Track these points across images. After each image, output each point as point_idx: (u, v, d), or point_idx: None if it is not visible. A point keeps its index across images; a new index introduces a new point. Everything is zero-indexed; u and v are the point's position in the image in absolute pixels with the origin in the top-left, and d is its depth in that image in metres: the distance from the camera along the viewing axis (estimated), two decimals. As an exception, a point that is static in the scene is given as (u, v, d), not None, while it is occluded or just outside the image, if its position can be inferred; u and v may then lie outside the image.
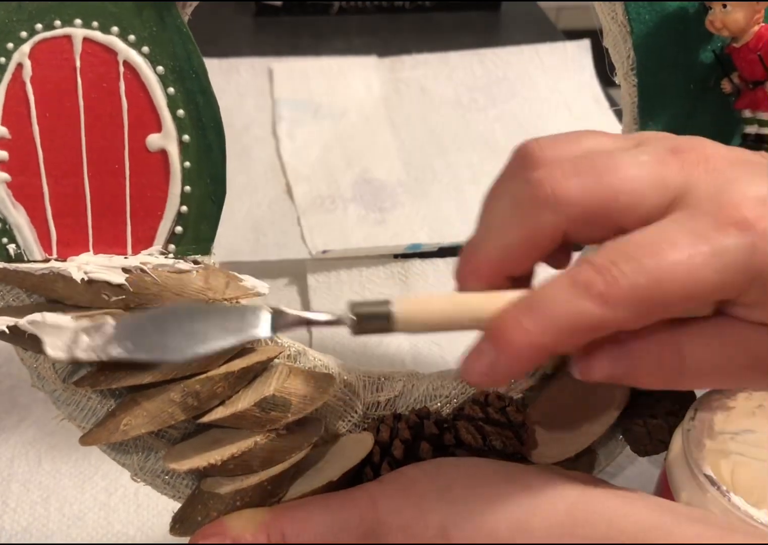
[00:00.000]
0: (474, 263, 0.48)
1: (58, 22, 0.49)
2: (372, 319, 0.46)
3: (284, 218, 1.14)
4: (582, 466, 0.65)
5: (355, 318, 0.45)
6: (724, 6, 0.55)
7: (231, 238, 1.09)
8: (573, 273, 0.43)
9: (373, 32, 1.55)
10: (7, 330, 0.49)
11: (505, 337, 0.43)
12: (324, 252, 1.03)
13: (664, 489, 0.60)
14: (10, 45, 0.49)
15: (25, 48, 0.49)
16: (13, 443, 0.83)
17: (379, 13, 1.61)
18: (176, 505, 0.57)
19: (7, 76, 0.49)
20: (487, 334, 0.45)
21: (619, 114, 0.64)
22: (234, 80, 1.38)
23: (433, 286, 1.00)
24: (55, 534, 0.75)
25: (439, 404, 0.63)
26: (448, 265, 1.02)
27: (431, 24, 1.59)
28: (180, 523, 0.55)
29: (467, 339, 0.93)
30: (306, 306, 0.99)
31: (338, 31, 1.56)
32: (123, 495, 0.79)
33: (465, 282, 0.49)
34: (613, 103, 1.34)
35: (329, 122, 1.31)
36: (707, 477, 0.56)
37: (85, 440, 0.54)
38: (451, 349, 0.94)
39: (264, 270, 1.03)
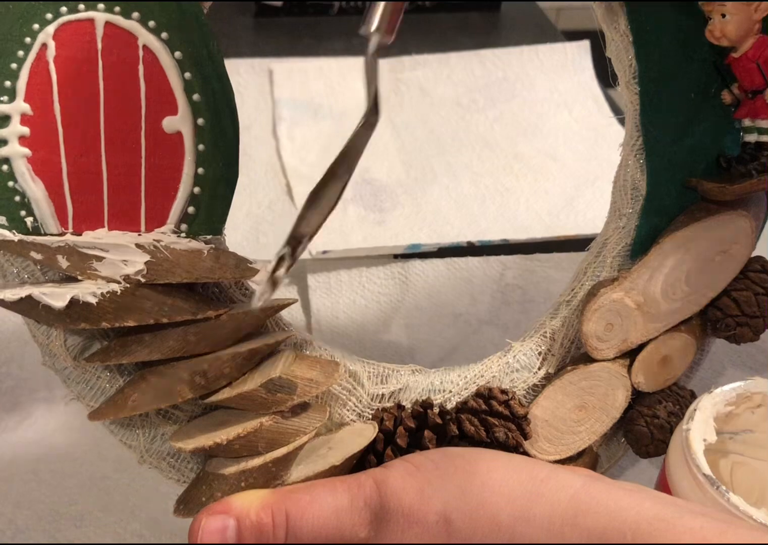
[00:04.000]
0: None
1: (81, 6, 0.50)
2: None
3: (284, 218, 1.14)
4: (583, 466, 0.66)
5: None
6: (723, 16, 0.56)
7: (231, 237, 1.09)
8: None
9: (372, 33, 1.55)
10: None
11: None
12: (324, 252, 1.03)
13: (664, 489, 0.61)
14: (36, 26, 0.50)
15: (50, 29, 0.50)
16: (14, 443, 0.83)
17: (379, 13, 1.62)
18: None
19: (32, 55, 0.50)
20: None
21: (623, 122, 0.65)
22: (234, 80, 1.36)
23: (433, 287, 1.01)
24: (56, 534, 0.75)
25: (442, 398, 0.64)
26: (447, 265, 1.02)
27: (431, 24, 1.59)
28: (184, 504, 0.55)
29: (467, 340, 0.94)
30: (306, 306, 1.00)
31: (338, 31, 1.56)
32: (123, 495, 0.79)
33: None
34: (612, 103, 1.35)
35: (329, 122, 1.31)
36: (706, 477, 0.57)
37: (94, 415, 0.55)
38: (451, 349, 0.94)
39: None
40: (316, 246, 1.05)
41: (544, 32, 1.57)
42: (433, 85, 1.39)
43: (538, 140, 1.29)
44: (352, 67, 1.41)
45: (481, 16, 1.64)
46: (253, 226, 1.13)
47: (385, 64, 1.41)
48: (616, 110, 1.30)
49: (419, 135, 1.31)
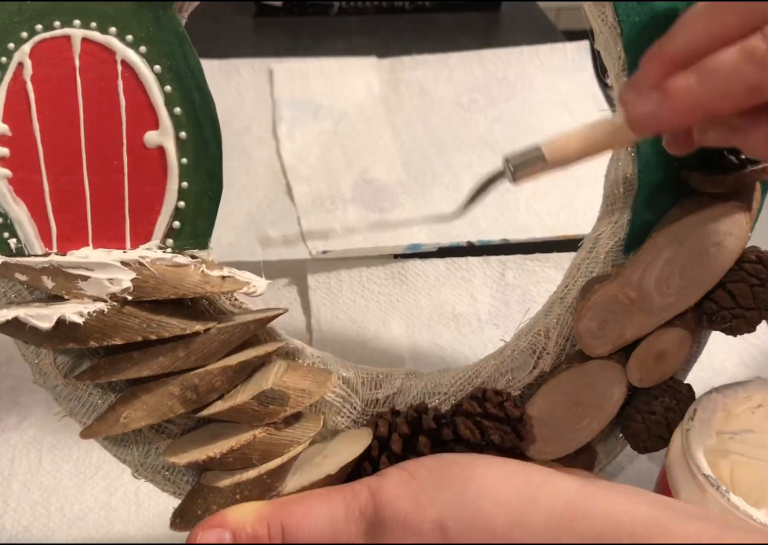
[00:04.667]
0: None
1: (57, 23, 0.50)
2: (527, 165, 0.57)
3: (284, 218, 1.14)
4: (581, 464, 0.66)
5: (513, 168, 0.56)
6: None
7: (231, 238, 1.10)
8: (743, 42, 0.47)
9: (372, 33, 1.55)
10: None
11: (673, 90, 0.49)
12: (324, 252, 1.03)
13: (664, 489, 0.61)
14: (11, 45, 0.50)
15: (26, 48, 0.50)
16: (14, 443, 0.84)
17: (379, 13, 1.62)
18: (177, 504, 0.58)
19: (8, 75, 0.50)
20: (660, 85, 0.50)
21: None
22: (234, 81, 1.38)
23: (433, 287, 1.01)
24: (56, 534, 0.76)
25: (437, 401, 0.64)
26: (447, 264, 1.02)
27: (431, 24, 1.59)
28: (180, 518, 0.56)
29: (466, 340, 0.94)
30: (306, 306, 1.00)
31: (338, 31, 1.56)
32: (123, 495, 0.79)
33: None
34: (612, 103, 1.34)
35: (329, 122, 1.32)
36: (707, 477, 0.56)
37: (86, 433, 0.55)
38: (451, 349, 0.94)
39: (264, 270, 1.03)
40: (316, 246, 1.05)
41: (544, 32, 1.57)
42: (433, 85, 1.39)
43: (538, 140, 1.29)
44: (352, 67, 1.41)
45: (481, 16, 1.64)
46: (253, 226, 1.13)
47: (385, 64, 1.41)
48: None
49: (419, 135, 1.31)
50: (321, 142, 1.28)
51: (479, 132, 1.31)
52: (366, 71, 1.40)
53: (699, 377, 0.70)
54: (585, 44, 1.43)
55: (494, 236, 1.08)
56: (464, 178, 1.21)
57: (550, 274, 1.00)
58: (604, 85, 1.38)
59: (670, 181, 0.62)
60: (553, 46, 1.46)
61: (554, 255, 1.02)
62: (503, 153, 0.57)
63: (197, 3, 0.54)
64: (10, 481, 0.80)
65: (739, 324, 0.64)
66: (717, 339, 0.68)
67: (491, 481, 0.52)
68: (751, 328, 0.65)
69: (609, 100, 1.35)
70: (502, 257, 1.03)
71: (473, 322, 0.97)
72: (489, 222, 1.13)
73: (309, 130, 1.30)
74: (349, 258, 1.03)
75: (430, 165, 1.25)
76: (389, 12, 1.62)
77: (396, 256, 1.03)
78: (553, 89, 1.39)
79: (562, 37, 1.56)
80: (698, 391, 0.66)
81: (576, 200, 1.17)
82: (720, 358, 0.89)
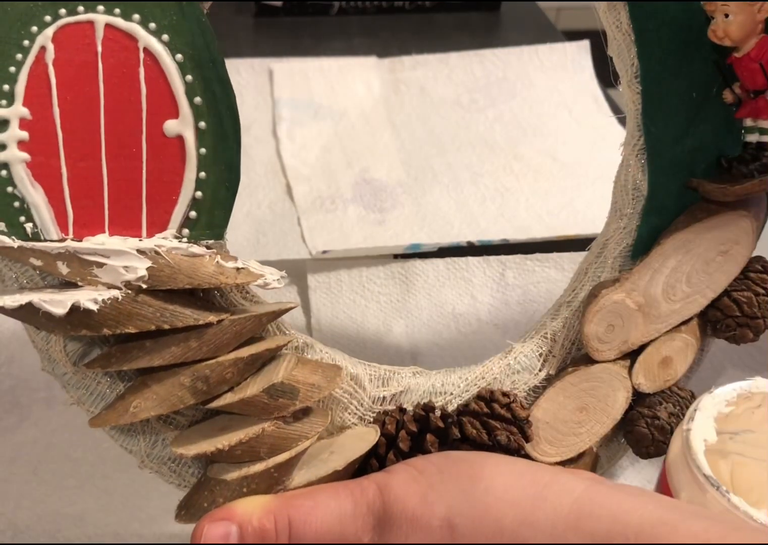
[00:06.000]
0: None
1: (81, 8, 0.50)
2: None
3: (284, 218, 1.14)
4: (583, 467, 0.66)
5: None
6: (726, 16, 0.56)
7: (231, 237, 1.09)
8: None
9: (372, 33, 1.55)
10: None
11: None
12: (324, 252, 1.03)
13: (664, 489, 0.61)
14: (35, 28, 0.49)
15: (49, 32, 0.49)
16: (14, 443, 0.83)
17: (379, 13, 1.62)
18: (179, 504, 0.58)
19: (31, 58, 0.49)
20: None
21: (623, 122, 0.65)
22: (234, 80, 1.36)
23: (433, 287, 1.01)
24: (56, 534, 0.75)
25: (443, 401, 0.64)
26: (448, 264, 1.02)
27: (431, 24, 1.59)
28: (186, 510, 0.55)
29: (467, 340, 0.94)
30: (306, 306, 0.99)
31: (338, 31, 1.56)
32: (123, 495, 0.78)
33: None
34: (612, 103, 1.35)
35: (329, 122, 1.31)
36: (707, 477, 0.56)
37: (95, 421, 0.54)
38: (451, 349, 0.94)
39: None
40: (316, 246, 1.05)
41: (544, 32, 1.57)
42: (433, 85, 1.39)
43: (538, 140, 1.30)
44: (352, 67, 1.41)
45: (481, 16, 1.64)
46: (253, 226, 1.13)
47: (385, 64, 1.41)
48: (616, 110, 1.31)
49: (419, 135, 1.31)
50: (321, 142, 1.28)
51: (479, 132, 1.31)
52: (366, 71, 1.40)
53: (699, 377, 0.70)
54: (585, 44, 1.43)
55: (494, 236, 1.08)
56: (464, 178, 1.22)
57: (550, 274, 1.00)
58: (604, 85, 1.38)
59: (679, 187, 0.62)
60: (553, 46, 1.46)
61: (554, 255, 1.01)
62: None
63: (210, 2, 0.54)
64: (10, 481, 0.79)
65: (743, 332, 0.65)
66: (718, 339, 0.68)
67: (499, 479, 0.52)
68: (755, 337, 0.65)
69: (609, 99, 1.36)
70: (502, 257, 1.02)
71: (473, 322, 0.97)
72: (489, 222, 1.13)
73: (309, 130, 1.30)
74: (349, 258, 1.03)
75: (430, 165, 1.25)
76: (389, 12, 1.62)
77: (396, 256, 1.03)
78: (553, 89, 1.39)
79: (562, 37, 1.56)
80: (698, 391, 0.66)
81: (576, 200, 1.17)
82: (720, 358, 0.89)
